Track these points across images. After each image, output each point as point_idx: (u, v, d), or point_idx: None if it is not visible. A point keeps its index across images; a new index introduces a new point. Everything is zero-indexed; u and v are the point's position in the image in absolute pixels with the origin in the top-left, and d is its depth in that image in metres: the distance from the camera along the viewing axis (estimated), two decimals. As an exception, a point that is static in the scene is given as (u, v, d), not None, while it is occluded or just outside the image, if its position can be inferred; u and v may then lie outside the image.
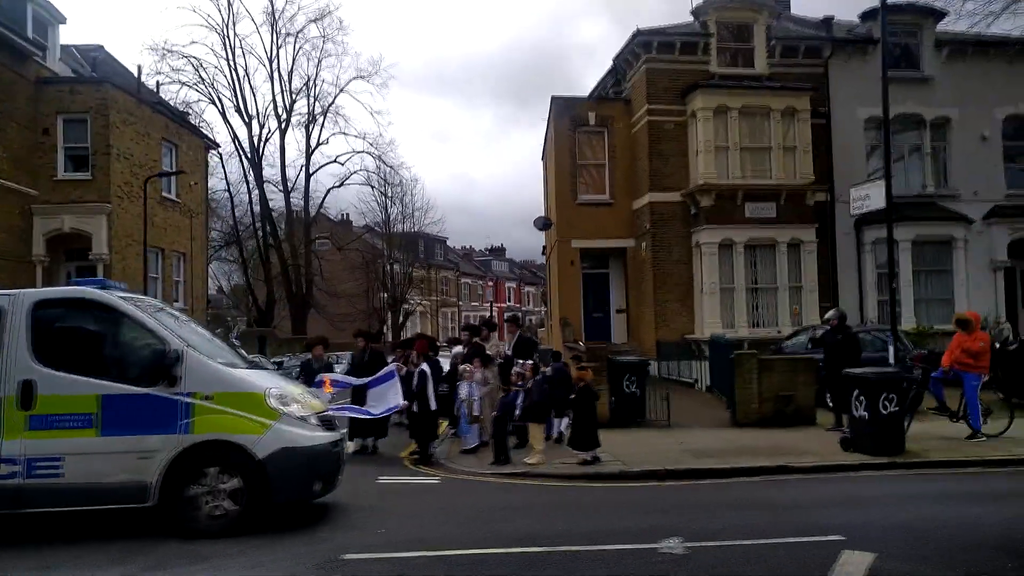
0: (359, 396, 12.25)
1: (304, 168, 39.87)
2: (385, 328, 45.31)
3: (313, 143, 39.63)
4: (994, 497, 8.19)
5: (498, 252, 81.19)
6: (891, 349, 12.04)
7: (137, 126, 24.79)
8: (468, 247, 79.21)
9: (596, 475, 9.98)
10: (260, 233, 38.85)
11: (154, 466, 6.51)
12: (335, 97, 43.16)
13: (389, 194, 46.58)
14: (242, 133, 38.38)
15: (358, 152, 42.95)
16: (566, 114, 23.90)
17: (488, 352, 13.64)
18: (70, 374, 6.62)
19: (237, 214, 40.13)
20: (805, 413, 13.65)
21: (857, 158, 22.66)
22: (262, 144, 38.57)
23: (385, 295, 49.34)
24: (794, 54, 22.78)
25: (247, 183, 38.55)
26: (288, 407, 6.98)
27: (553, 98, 24.26)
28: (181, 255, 28.17)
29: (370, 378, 12.00)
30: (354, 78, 53.70)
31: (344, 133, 58.37)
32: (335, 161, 42.11)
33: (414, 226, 50.77)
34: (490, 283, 77.91)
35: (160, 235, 26.29)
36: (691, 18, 23.12)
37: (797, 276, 21.87)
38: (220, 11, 50.23)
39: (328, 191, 42.03)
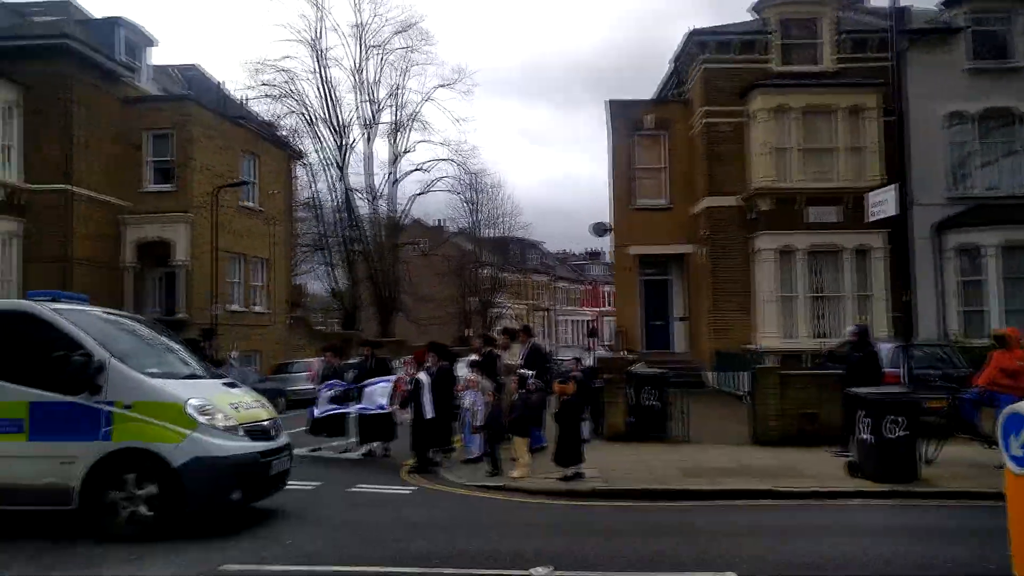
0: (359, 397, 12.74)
1: (391, 175, 41.06)
2: (468, 332, 45.81)
3: (399, 151, 40.70)
4: (960, 535, 7.35)
5: (595, 256, 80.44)
6: (903, 368, 11.09)
7: (218, 139, 26.28)
8: (566, 251, 79.08)
9: (569, 492, 9.74)
10: (345, 240, 40.27)
11: (76, 471, 6.90)
12: (420, 106, 44.07)
13: (476, 200, 47.16)
14: (329, 143, 39.80)
15: (442, 160, 43.51)
16: (623, 118, 23.49)
17: (507, 362, 13.62)
18: (3, 382, 7.13)
19: (326, 221, 41.74)
20: (830, 432, 12.77)
21: (936, 157, 21.04)
22: (348, 153, 39.99)
23: (475, 299, 49.96)
24: (864, 48, 21.40)
25: (335, 191, 40.07)
26: (209, 417, 7.21)
27: (610, 102, 23.84)
28: (262, 260, 29.59)
29: (367, 381, 12.49)
30: (439, 86, 54.18)
31: (428, 141, 59.36)
32: (419, 168, 43.06)
33: (501, 231, 51.21)
34: (587, 287, 77.40)
35: (241, 241, 27.72)
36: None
37: (865, 284, 20.54)
38: (311, 27, 52.11)
39: (412, 198, 43.04)
